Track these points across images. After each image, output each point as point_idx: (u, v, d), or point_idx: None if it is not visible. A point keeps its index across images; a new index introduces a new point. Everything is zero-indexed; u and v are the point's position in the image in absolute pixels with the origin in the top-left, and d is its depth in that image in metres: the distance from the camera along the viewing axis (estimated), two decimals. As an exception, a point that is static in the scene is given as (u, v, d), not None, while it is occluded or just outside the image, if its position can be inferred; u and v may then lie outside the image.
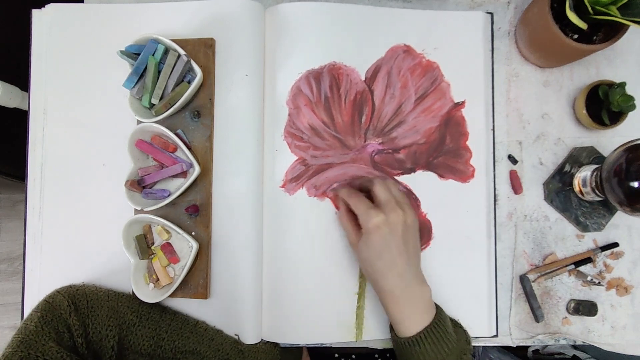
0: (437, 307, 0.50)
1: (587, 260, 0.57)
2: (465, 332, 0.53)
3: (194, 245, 0.54)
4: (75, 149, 0.59)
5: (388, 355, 0.79)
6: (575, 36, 0.52)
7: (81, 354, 0.47)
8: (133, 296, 0.55)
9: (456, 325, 0.53)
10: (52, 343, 0.45)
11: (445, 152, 0.58)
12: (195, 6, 0.58)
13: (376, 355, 0.79)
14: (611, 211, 0.58)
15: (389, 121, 0.58)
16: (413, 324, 0.47)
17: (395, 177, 0.57)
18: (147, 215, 0.55)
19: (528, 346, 0.95)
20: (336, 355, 0.79)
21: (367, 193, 0.52)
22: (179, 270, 0.56)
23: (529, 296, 0.57)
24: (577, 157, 0.58)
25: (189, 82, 0.55)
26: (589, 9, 0.47)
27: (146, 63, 0.54)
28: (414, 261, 0.49)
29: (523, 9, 0.57)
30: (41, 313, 0.47)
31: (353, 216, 0.51)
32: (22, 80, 0.76)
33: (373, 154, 0.57)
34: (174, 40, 0.54)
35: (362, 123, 0.57)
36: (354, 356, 0.79)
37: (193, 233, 0.56)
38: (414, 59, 0.58)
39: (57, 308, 0.48)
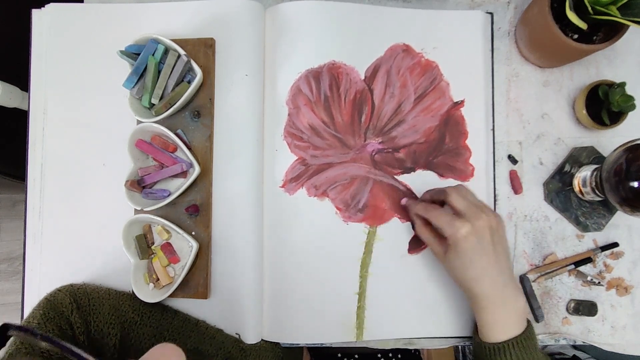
0: (529, 322, 0.49)
1: (587, 260, 0.57)
2: (548, 357, 0.51)
3: (194, 245, 0.54)
4: (75, 149, 0.59)
5: (390, 355, 0.79)
6: (575, 36, 0.52)
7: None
8: (134, 295, 0.55)
9: (544, 354, 0.51)
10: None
11: (445, 152, 0.58)
12: (195, 6, 0.58)
13: (379, 355, 0.79)
14: (611, 211, 0.58)
15: (388, 120, 0.58)
16: (502, 331, 0.47)
17: (395, 177, 0.57)
18: (147, 215, 0.55)
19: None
20: (339, 355, 0.79)
21: (441, 204, 0.51)
22: (179, 270, 0.56)
23: (529, 296, 0.57)
24: (577, 157, 0.58)
25: (189, 82, 0.55)
26: (589, 9, 0.47)
27: (146, 63, 0.54)
28: (505, 264, 0.48)
29: (523, 9, 0.57)
30: (43, 310, 0.47)
31: (432, 228, 0.50)
32: (22, 80, 0.76)
33: (373, 154, 0.57)
34: (174, 40, 0.54)
35: (362, 122, 0.57)
36: (356, 356, 0.79)
37: (193, 233, 0.56)
38: (413, 58, 0.58)
39: (59, 305, 0.48)
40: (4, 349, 0.43)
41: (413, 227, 0.57)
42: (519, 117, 0.59)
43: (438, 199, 0.52)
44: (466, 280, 0.48)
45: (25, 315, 0.56)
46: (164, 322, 0.53)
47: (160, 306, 0.55)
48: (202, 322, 0.55)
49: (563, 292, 0.58)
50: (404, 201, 0.56)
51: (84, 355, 0.27)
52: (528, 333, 0.47)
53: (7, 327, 0.28)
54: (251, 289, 0.56)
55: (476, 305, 0.48)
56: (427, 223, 0.51)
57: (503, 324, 0.47)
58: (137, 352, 0.50)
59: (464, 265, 0.47)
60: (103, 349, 0.49)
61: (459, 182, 0.57)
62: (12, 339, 0.44)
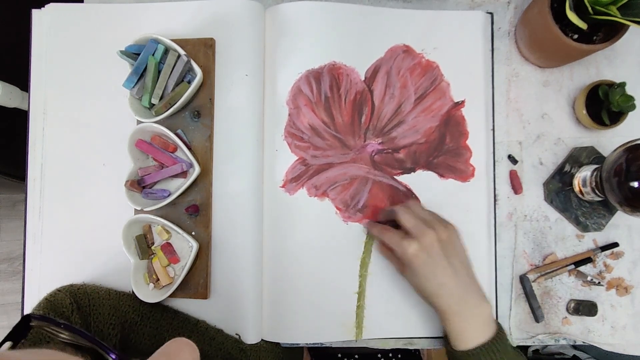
0: (499, 325, 0.50)
1: (587, 260, 0.57)
2: (521, 353, 0.51)
3: (194, 245, 0.54)
4: (75, 149, 0.59)
5: (390, 355, 0.79)
6: (575, 36, 0.52)
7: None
8: (134, 295, 0.54)
9: (517, 352, 0.52)
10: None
11: (445, 152, 0.58)
12: (195, 6, 0.58)
13: (379, 355, 0.79)
14: (611, 211, 0.58)
15: (388, 121, 0.58)
16: (470, 338, 0.47)
17: (395, 177, 0.57)
18: (147, 215, 0.55)
19: (528, 346, 0.95)
20: (339, 355, 0.79)
21: (395, 223, 0.52)
22: (179, 270, 0.56)
23: (529, 296, 0.57)
24: (577, 157, 0.58)
25: (189, 82, 0.55)
26: (589, 9, 0.47)
27: (146, 63, 0.54)
28: (463, 273, 0.48)
29: (523, 9, 0.57)
30: (43, 311, 0.47)
31: (390, 248, 0.51)
32: (22, 80, 0.76)
33: (373, 154, 0.57)
34: (174, 40, 0.54)
35: (362, 123, 0.57)
36: (357, 356, 0.79)
37: (193, 233, 0.56)
38: (413, 59, 0.58)
39: (60, 306, 0.48)
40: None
41: None
42: (519, 117, 0.59)
43: (391, 218, 0.52)
44: (426, 295, 0.49)
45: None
46: (164, 322, 0.53)
47: (160, 306, 0.55)
48: (202, 322, 0.55)
49: (563, 292, 0.58)
50: (363, 222, 0.57)
51: (106, 345, 0.28)
52: (497, 337, 0.47)
53: (29, 317, 0.29)
54: (251, 289, 0.56)
55: (440, 317, 0.49)
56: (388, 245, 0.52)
57: (469, 332, 0.47)
58: (137, 353, 0.50)
59: (420, 281, 0.48)
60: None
61: (459, 183, 0.57)
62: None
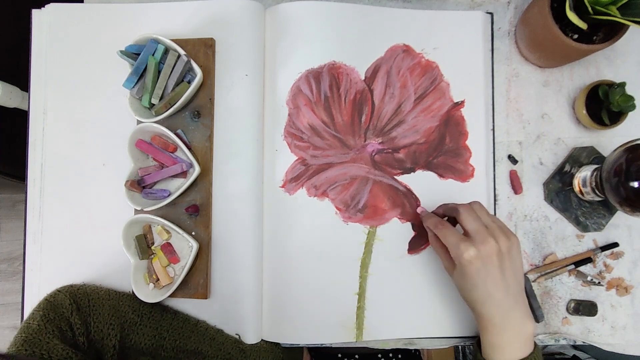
0: (536, 346, 0.48)
1: (587, 260, 0.57)
2: None
3: (194, 245, 0.54)
4: (75, 149, 0.59)
5: (391, 355, 0.79)
6: (575, 36, 0.52)
7: (83, 353, 0.47)
8: (134, 295, 0.55)
9: None
10: (57, 341, 0.45)
11: (445, 152, 0.58)
12: (195, 6, 0.58)
13: (379, 356, 0.79)
14: (611, 211, 0.58)
15: (388, 121, 0.58)
16: (505, 353, 0.46)
17: (395, 177, 0.57)
18: (147, 215, 0.55)
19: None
20: (339, 355, 0.79)
21: (454, 219, 0.50)
22: (179, 270, 0.56)
23: (529, 296, 0.57)
24: (577, 157, 0.58)
25: (189, 82, 0.55)
26: (589, 9, 0.47)
27: (146, 63, 0.54)
28: (514, 289, 0.47)
29: (523, 9, 0.57)
30: (43, 312, 0.47)
31: (443, 243, 0.50)
32: (22, 80, 0.76)
33: (373, 154, 0.57)
34: (174, 40, 0.54)
35: (362, 123, 0.57)
36: (357, 356, 0.79)
37: (193, 233, 0.56)
38: (413, 59, 0.58)
39: (59, 306, 0.48)
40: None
41: (413, 228, 0.57)
42: (519, 117, 0.59)
43: (451, 215, 0.51)
44: (471, 301, 0.48)
45: (25, 315, 0.56)
46: (163, 322, 0.53)
47: (160, 307, 0.55)
48: (202, 323, 0.55)
49: (563, 292, 0.58)
50: (419, 210, 0.56)
51: None
52: (535, 357, 0.46)
53: (2, 357, 0.29)
54: (251, 289, 0.56)
55: (480, 325, 0.48)
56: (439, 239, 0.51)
57: (506, 347, 0.46)
58: (137, 353, 0.50)
59: (467, 286, 0.47)
60: (103, 350, 0.49)
61: (459, 183, 0.57)
62: (14, 340, 0.44)
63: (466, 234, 0.48)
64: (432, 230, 0.52)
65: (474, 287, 0.46)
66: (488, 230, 0.47)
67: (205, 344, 0.54)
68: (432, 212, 0.55)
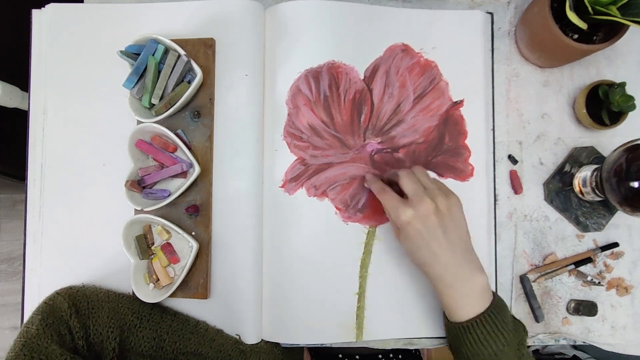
0: (495, 295, 0.48)
1: (587, 260, 0.57)
2: (520, 322, 0.51)
3: (194, 245, 0.54)
4: (75, 149, 0.59)
5: (391, 355, 0.79)
6: (575, 36, 0.52)
7: (83, 356, 0.47)
8: (133, 297, 0.54)
9: (517, 322, 0.51)
10: (55, 345, 0.45)
11: (444, 151, 0.58)
12: (195, 6, 0.58)
13: (379, 356, 0.79)
14: (611, 211, 0.58)
15: (387, 120, 0.58)
16: (465, 310, 0.46)
17: (374, 175, 0.57)
18: (147, 215, 0.55)
19: (528, 346, 0.95)
20: (340, 355, 0.79)
21: (398, 186, 0.51)
22: (179, 271, 0.56)
23: (529, 296, 0.57)
24: (577, 157, 0.58)
25: (189, 82, 0.55)
26: (589, 9, 0.47)
27: (146, 63, 0.54)
28: (460, 247, 0.47)
29: (523, 9, 0.57)
30: (42, 315, 0.47)
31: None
32: (22, 80, 0.76)
33: (372, 154, 0.57)
34: (174, 40, 0.54)
35: (361, 122, 0.57)
36: (357, 357, 0.79)
37: (193, 233, 0.56)
38: (412, 58, 0.58)
39: (58, 310, 0.48)
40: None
41: None
42: (519, 117, 0.59)
43: (394, 179, 0.51)
44: (419, 264, 0.48)
45: (26, 316, 0.56)
46: (163, 324, 0.53)
47: (159, 308, 0.55)
48: (201, 324, 0.55)
49: (563, 292, 0.58)
50: (367, 175, 0.56)
51: None
52: (493, 308, 0.46)
53: None
54: (251, 289, 0.56)
55: (435, 289, 0.48)
56: None
57: (463, 304, 0.46)
58: (136, 356, 0.50)
59: (413, 249, 0.47)
60: (102, 353, 0.49)
61: (458, 182, 0.57)
62: (13, 345, 0.45)
63: (406, 197, 0.48)
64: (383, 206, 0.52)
65: (418, 249, 0.47)
66: (426, 191, 0.47)
67: (205, 346, 0.53)
68: (379, 177, 0.55)
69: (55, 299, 0.49)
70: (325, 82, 0.57)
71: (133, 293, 0.55)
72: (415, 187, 0.48)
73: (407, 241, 0.48)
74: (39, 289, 0.57)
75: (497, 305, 0.47)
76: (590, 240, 0.58)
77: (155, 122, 0.54)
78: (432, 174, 0.57)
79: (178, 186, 0.56)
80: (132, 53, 0.54)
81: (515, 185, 0.58)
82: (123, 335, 0.50)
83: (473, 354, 0.46)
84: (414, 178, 0.49)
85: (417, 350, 0.84)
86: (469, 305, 0.46)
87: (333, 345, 0.57)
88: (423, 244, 0.46)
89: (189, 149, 0.56)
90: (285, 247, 0.56)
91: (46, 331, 0.45)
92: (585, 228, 0.58)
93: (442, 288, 0.47)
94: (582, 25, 0.47)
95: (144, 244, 0.56)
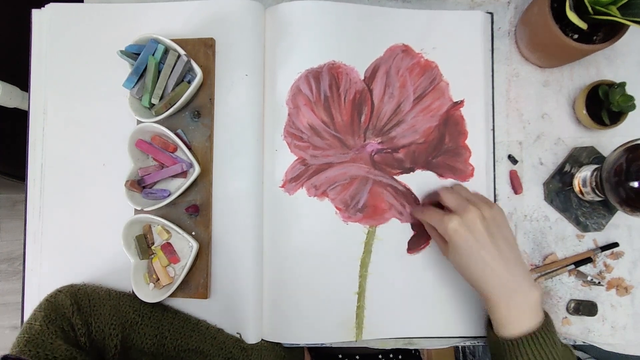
0: (546, 314, 0.47)
1: (587, 260, 0.57)
2: (569, 347, 0.49)
3: (194, 245, 0.54)
4: (75, 149, 0.59)
5: (391, 355, 0.79)
6: (575, 36, 0.52)
7: (85, 352, 0.47)
8: (134, 295, 0.55)
9: (566, 346, 0.49)
10: (60, 341, 0.45)
11: (445, 152, 0.58)
12: (195, 6, 0.58)
13: (380, 356, 0.79)
14: (611, 211, 0.58)
15: (388, 120, 0.58)
16: (516, 326, 0.45)
17: (395, 177, 0.57)
18: (147, 215, 0.55)
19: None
20: (340, 356, 0.79)
21: (441, 206, 0.51)
22: (179, 270, 0.56)
23: (529, 296, 0.57)
24: (577, 157, 0.58)
25: (189, 82, 0.55)
26: (589, 9, 0.47)
27: (146, 63, 0.54)
28: (509, 255, 0.46)
29: (523, 9, 0.57)
30: (45, 312, 0.47)
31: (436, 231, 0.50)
32: (22, 80, 0.76)
33: (372, 154, 0.57)
34: (174, 40, 0.54)
35: (362, 122, 0.57)
36: (357, 357, 0.79)
37: (193, 233, 0.56)
38: (412, 59, 0.58)
39: (61, 307, 0.48)
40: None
41: (412, 228, 0.57)
42: (519, 117, 0.59)
43: (435, 200, 0.52)
44: (471, 278, 0.47)
45: (26, 316, 0.56)
46: (164, 322, 0.53)
47: (160, 306, 0.55)
48: (202, 322, 0.55)
49: (563, 292, 0.58)
50: (409, 210, 0.57)
51: None
52: (545, 326, 0.45)
53: (6, 358, 0.29)
54: (251, 289, 0.56)
55: (486, 303, 0.47)
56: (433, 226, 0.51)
57: (516, 319, 0.45)
58: (138, 353, 0.50)
59: (462, 261, 0.47)
60: (105, 350, 0.49)
61: (457, 182, 0.57)
62: (16, 341, 0.45)
63: (450, 210, 0.48)
64: (425, 222, 0.52)
65: (469, 259, 0.46)
66: (469, 201, 0.47)
67: (207, 343, 0.54)
68: (420, 203, 0.56)
69: (57, 296, 0.49)
70: (325, 82, 0.57)
71: (133, 293, 0.55)
72: (458, 199, 0.48)
73: (456, 253, 0.47)
74: (39, 288, 0.57)
75: (548, 323, 0.46)
76: (590, 240, 0.58)
77: (155, 122, 0.54)
78: (432, 175, 0.57)
79: (178, 186, 0.56)
80: (132, 53, 0.54)
81: (515, 185, 0.58)
82: (125, 332, 0.50)
83: None
84: (454, 192, 0.49)
85: (416, 350, 0.84)
86: (521, 321, 0.45)
87: (333, 345, 0.57)
88: (473, 253, 0.45)
89: (189, 149, 0.56)
90: (286, 247, 0.56)
91: (50, 327, 0.45)
92: (585, 228, 0.58)
93: (496, 301, 0.45)
94: (582, 25, 0.47)
95: (144, 244, 0.56)
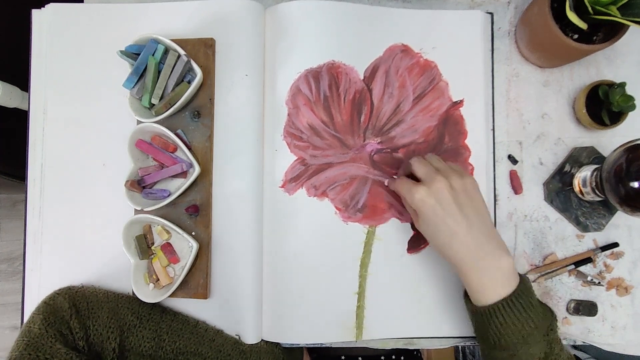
0: (522, 277, 0.46)
1: (587, 260, 0.57)
2: (548, 307, 0.49)
3: (194, 245, 0.54)
4: (75, 149, 0.59)
5: (393, 357, 0.79)
6: (575, 36, 0.52)
7: (84, 356, 0.47)
8: (133, 297, 0.55)
9: (544, 307, 0.49)
10: (60, 345, 0.45)
11: (444, 151, 0.58)
12: (195, 6, 0.58)
13: (382, 358, 0.79)
14: (611, 211, 0.58)
15: (387, 120, 0.58)
16: (491, 293, 0.44)
17: (394, 177, 0.57)
18: (147, 215, 0.55)
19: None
20: (342, 357, 0.79)
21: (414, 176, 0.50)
22: (179, 270, 0.56)
23: (529, 296, 0.57)
24: (577, 157, 0.58)
25: (189, 82, 0.55)
26: (589, 9, 0.47)
27: (146, 63, 0.54)
28: (479, 225, 0.45)
29: (523, 9, 0.57)
30: (43, 315, 0.47)
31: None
32: (22, 80, 0.76)
33: (372, 154, 0.57)
34: (174, 40, 0.54)
35: (361, 122, 0.57)
36: (360, 358, 0.79)
37: (193, 233, 0.56)
38: (411, 59, 0.58)
39: (59, 310, 0.48)
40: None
41: (412, 227, 0.57)
42: (519, 117, 0.59)
43: (408, 172, 0.51)
44: (439, 246, 0.47)
45: (25, 317, 0.56)
46: (163, 324, 0.53)
47: (159, 308, 0.55)
48: (201, 324, 0.55)
49: (563, 292, 0.58)
50: (386, 182, 0.56)
51: None
52: (520, 291, 0.44)
53: None
54: (251, 289, 0.56)
55: (457, 271, 0.47)
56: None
57: (489, 286, 0.45)
58: (136, 356, 0.50)
59: (430, 230, 0.47)
60: (103, 354, 0.49)
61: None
62: (15, 344, 0.45)
63: (419, 180, 0.48)
64: (399, 194, 0.52)
65: (436, 228, 0.46)
66: (439, 172, 0.47)
67: (205, 346, 0.53)
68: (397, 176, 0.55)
69: (56, 299, 0.49)
70: (325, 82, 0.57)
71: (133, 293, 0.55)
72: (427, 168, 0.48)
73: (424, 223, 0.47)
74: (39, 289, 0.57)
75: (524, 287, 0.45)
76: (590, 240, 0.58)
77: (155, 122, 0.54)
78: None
79: (178, 186, 0.56)
80: (132, 53, 0.54)
81: (515, 185, 0.58)
82: (123, 335, 0.50)
83: (500, 339, 0.44)
84: (425, 162, 0.49)
85: (418, 351, 0.84)
86: (495, 288, 0.45)
87: (333, 345, 0.57)
88: (439, 221, 0.45)
89: (189, 149, 0.56)
90: (285, 247, 0.56)
91: (49, 331, 0.45)
92: (585, 228, 0.58)
93: (466, 270, 0.45)
94: (582, 25, 0.47)
95: (144, 244, 0.56)
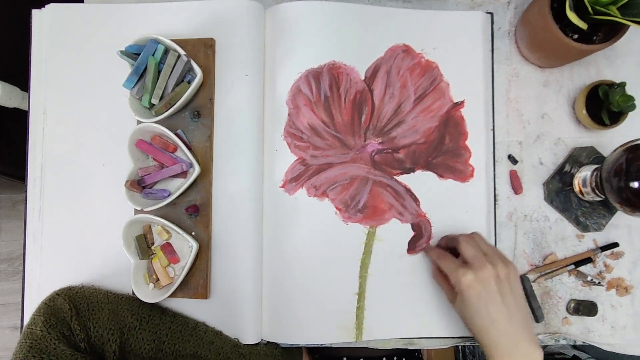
0: None
1: (587, 260, 0.57)
2: None
3: (194, 245, 0.54)
4: (75, 149, 0.59)
5: (395, 358, 0.79)
6: (575, 36, 0.52)
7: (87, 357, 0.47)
8: (132, 298, 0.54)
9: None
10: (63, 346, 0.45)
11: (445, 152, 0.58)
12: (195, 6, 0.58)
13: (384, 359, 0.79)
14: (611, 211, 0.58)
15: (388, 121, 0.58)
16: None
17: (395, 177, 0.57)
18: (147, 215, 0.55)
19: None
20: (344, 358, 0.79)
21: (455, 250, 0.51)
22: (179, 271, 0.56)
23: (529, 296, 0.57)
24: (577, 157, 0.58)
25: (189, 82, 0.55)
26: (589, 9, 0.47)
27: (146, 63, 0.54)
28: (517, 316, 0.47)
29: (523, 9, 0.57)
30: (44, 317, 0.47)
31: (445, 275, 0.51)
32: (22, 80, 0.76)
33: (373, 154, 0.57)
34: (174, 40, 0.54)
35: (362, 122, 0.57)
36: (361, 359, 0.79)
37: (193, 233, 0.56)
38: (413, 59, 0.58)
39: (60, 311, 0.48)
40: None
41: (412, 228, 0.57)
42: (519, 117, 0.59)
43: (452, 245, 0.52)
44: (474, 329, 0.48)
45: (26, 316, 0.56)
46: (162, 326, 0.53)
47: (158, 309, 0.55)
48: (200, 326, 0.55)
49: (563, 292, 0.58)
50: (426, 246, 0.57)
51: None
52: None
53: None
54: (251, 289, 0.56)
55: (486, 355, 0.48)
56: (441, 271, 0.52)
57: None
58: (136, 358, 0.50)
59: (470, 314, 0.47)
60: (104, 355, 0.49)
61: (458, 183, 0.57)
62: (19, 347, 0.45)
63: (465, 261, 0.49)
64: (434, 264, 0.53)
65: (476, 313, 0.47)
66: (486, 257, 0.48)
67: (204, 348, 0.53)
68: (436, 245, 0.56)
69: (56, 300, 0.49)
70: (325, 82, 0.57)
71: (133, 293, 0.55)
72: (476, 252, 0.48)
73: (464, 305, 0.48)
74: (39, 289, 0.57)
75: None
76: (590, 240, 0.58)
77: (155, 122, 0.54)
78: (432, 175, 0.57)
79: (178, 186, 0.56)
80: (132, 53, 0.54)
81: (515, 185, 0.58)
82: (123, 337, 0.50)
83: None
84: (474, 243, 0.50)
85: (419, 352, 0.84)
86: None
87: (333, 346, 0.57)
88: (481, 308, 0.46)
89: (189, 149, 0.56)
90: (285, 247, 0.56)
91: (51, 332, 0.45)
92: (585, 228, 0.58)
93: (497, 355, 0.46)
94: (582, 25, 0.47)
95: (144, 244, 0.56)
